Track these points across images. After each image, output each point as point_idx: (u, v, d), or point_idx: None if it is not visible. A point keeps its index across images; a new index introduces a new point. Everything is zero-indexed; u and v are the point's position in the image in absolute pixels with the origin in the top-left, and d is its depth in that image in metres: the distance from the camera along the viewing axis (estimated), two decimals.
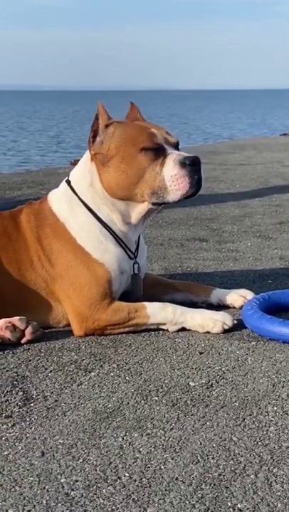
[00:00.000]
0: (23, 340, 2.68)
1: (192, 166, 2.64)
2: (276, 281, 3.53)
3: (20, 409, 2.17)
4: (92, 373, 2.42)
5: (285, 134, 18.34)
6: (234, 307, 3.04)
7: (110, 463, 1.84)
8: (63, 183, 2.92)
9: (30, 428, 2.05)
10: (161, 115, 42.67)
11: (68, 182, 2.90)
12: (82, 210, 2.81)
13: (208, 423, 2.05)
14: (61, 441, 1.96)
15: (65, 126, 31.89)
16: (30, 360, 2.54)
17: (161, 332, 2.78)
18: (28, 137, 24.16)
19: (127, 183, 2.71)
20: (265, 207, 5.91)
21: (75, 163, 11.51)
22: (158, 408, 2.15)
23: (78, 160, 9.80)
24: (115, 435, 1.99)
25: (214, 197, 6.50)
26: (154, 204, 2.74)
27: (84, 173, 2.84)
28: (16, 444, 1.96)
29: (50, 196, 2.92)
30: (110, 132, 2.74)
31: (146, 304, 2.77)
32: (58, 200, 2.88)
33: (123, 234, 2.81)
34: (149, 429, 2.02)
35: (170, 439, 1.96)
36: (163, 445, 1.93)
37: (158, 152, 2.68)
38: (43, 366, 2.49)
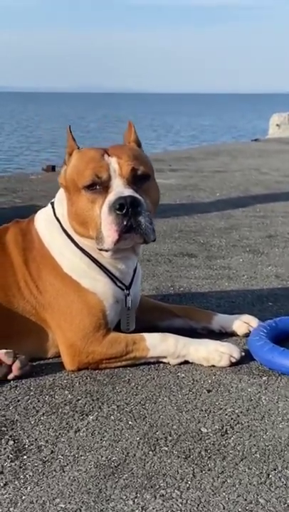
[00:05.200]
0: (10, 377, 2.41)
1: (120, 210, 2.28)
2: (276, 303, 3.31)
3: (13, 464, 1.90)
4: (90, 417, 2.16)
5: (256, 140, 18.25)
6: (237, 335, 2.81)
7: None
8: (49, 205, 2.65)
9: (26, 488, 1.79)
10: (132, 119, 42.48)
11: (52, 204, 2.63)
12: (61, 236, 2.54)
13: (228, 480, 1.80)
14: (62, 506, 1.71)
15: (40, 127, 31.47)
16: (19, 401, 2.27)
17: (161, 365, 2.54)
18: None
19: (79, 222, 2.43)
20: (250, 218, 5.70)
21: (47, 169, 11.09)
22: (169, 461, 1.90)
23: (51, 166, 9.43)
24: (124, 497, 1.74)
25: (196, 206, 6.27)
26: (99, 250, 2.42)
27: (61, 198, 2.58)
28: (11, 509, 1.70)
29: (37, 216, 2.65)
30: (70, 162, 2.50)
31: (145, 335, 2.51)
32: (42, 222, 2.62)
33: (110, 264, 2.53)
34: (163, 488, 1.77)
35: (188, 501, 1.72)
36: (181, 510, 1.68)
37: (101, 190, 2.36)
38: (33, 408, 2.22)
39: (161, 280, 3.70)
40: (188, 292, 3.48)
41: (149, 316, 2.82)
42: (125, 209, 2.28)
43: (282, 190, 7.48)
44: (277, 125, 18.96)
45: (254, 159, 11.21)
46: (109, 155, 2.40)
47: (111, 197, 2.32)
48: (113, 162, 2.37)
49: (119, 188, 2.33)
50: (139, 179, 2.39)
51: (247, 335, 2.78)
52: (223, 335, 2.80)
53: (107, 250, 2.39)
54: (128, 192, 2.32)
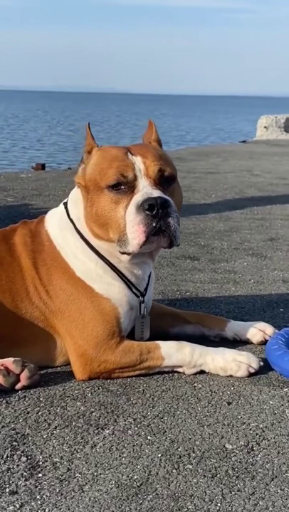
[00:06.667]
0: (18, 386, 2.28)
1: (150, 210, 2.15)
2: (287, 309, 3.20)
3: (27, 482, 1.77)
4: (106, 431, 2.03)
5: (244, 141, 18.20)
6: (252, 343, 2.70)
7: None
8: (61, 205, 2.52)
9: (44, 510, 1.66)
10: (116, 118, 42.42)
11: (65, 205, 2.50)
12: (75, 238, 2.40)
13: (260, 502, 1.69)
14: None
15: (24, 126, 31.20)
16: (28, 413, 2.14)
17: (176, 375, 2.42)
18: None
19: (98, 224, 2.29)
20: (249, 220, 5.61)
21: (37, 167, 10.93)
22: (195, 481, 1.78)
23: (40, 164, 9.26)
24: None
25: (192, 208, 6.16)
26: (121, 253, 2.29)
27: (76, 199, 2.44)
28: None
29: (48, 218, 2.52)
30: (90, 160, 2.35)
31: (160, 343, 2.39)
32: (54, 223, 2.48)
33: (126, 269, 2.41)
34: (191, 511, 1.65)
35: None
36: None
37: (126, 191, 2.22)
38: (45, 421, 2.09)
39: (166, 284, 3.58)
40: (196, 297, 3.37)
41: (160, 322, 2.70)
42: (155, 210, 2.15)
43: (277, 192, 7.40)
44: (265, 127, 18.92)
45: (245, 161, 11.13)
46: (132, 154, 2.27)
47: (138, 197, 2.19)
48: (138, 162, 2.25)
49: (146, 189, 2.20)
50: (166, 181, 2.27)
51: (262, 343, 2.68)
52: (237, 342, 2.69)
53: (129, 254, 2.26)
54: (157, 193, 2.19)
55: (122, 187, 2.23)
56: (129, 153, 2.27)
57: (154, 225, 2.16)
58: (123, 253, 2.27)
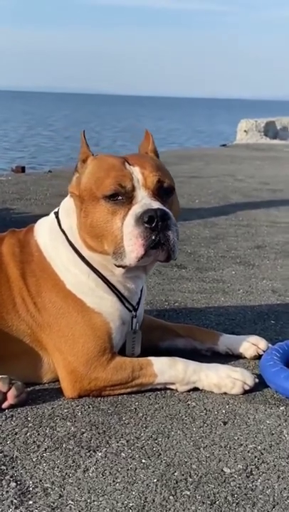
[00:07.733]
0: (5, 405, 2.19)
1: (150, 223, 2.08)
2: (279, 321, 3.14)
3: (17, 511, 1.68)
4: (99, 453, 1.94)
5: (224, 145, 18.18)
6: (244, 357, 2.63)
7: None
8: (52, 215, 2.43)
9: None
10: (95, 120, 42.30)
11: (57, 214, 2.41)
12: (67, 250, 2.31)
13: None
14: None
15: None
16: (16, 434, 2.05)
17: (168, 392, 2.33)
18: None
19: (93, 235, 2.20)
20: (235, 227, 5.55)
21: (17, 170, 10.77)
22: (193, 508, 1.70)
23: (20, 167, 9.11)
24: None
25: None
26: (117, 266, 2.21)
27: (68, 208, 2.35)
28: None
29: (37, 227, 2.42)
30: (85, 169, 2.27)
31: (152, 359, 2.31)
32: (44, 234, 2.39)
33: (119, 282, 2.32)
34: None
35: None
36: None
37: (123, 201, 2.15)
38: (34, 442, 2.00)
39: (154, 294, 3.50)
40: (185, 308, 3.29)
41: (150, 335, 2.61)
42: (155, 223, 2.07)
43: (261, 198, 7.36)
44: (245, 131, 18.93)
45: (227, 165, 11.09)
46: (130, 164, 2.19)
47: (137, 208, 2.10)
48: (136, 172, 2.17)
49: (145, 200, 2.13)
50: (165, 192, 2.19)
51: (255, 357, 2.61)
52: (229, 357, 2.62)
53: (125, 267, 2.18)
54: (156, 204, 2.11)
55: (120, 197, 2.14)
56: (126, 163, 2.20)
57: (153, 238, 2.08)
58: (118, 266, 2.19)
